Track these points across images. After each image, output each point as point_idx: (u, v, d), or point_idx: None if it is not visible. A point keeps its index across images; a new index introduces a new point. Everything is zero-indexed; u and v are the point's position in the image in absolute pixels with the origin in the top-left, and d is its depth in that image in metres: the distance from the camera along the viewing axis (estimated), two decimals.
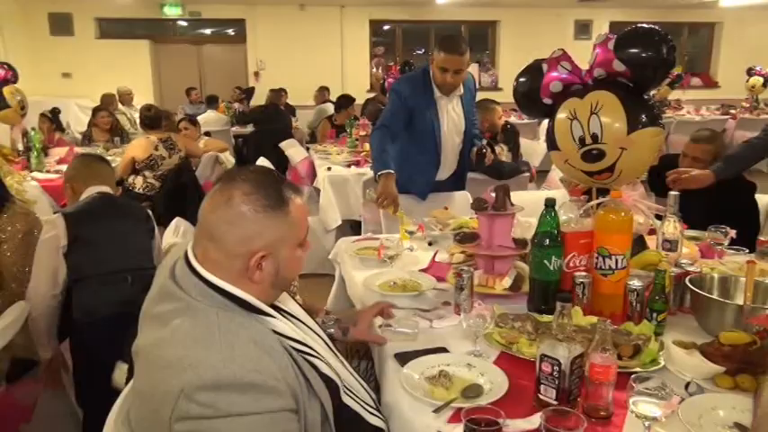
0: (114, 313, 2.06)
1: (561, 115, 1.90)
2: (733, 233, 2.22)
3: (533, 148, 5.92)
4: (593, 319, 1.63)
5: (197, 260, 1.13)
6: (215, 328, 1.04)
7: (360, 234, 3.74)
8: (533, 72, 2.01)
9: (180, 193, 4.46)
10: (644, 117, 1.80)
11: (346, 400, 1.22)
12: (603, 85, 1.84)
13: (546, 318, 1.67)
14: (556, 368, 1.25)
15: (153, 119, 4.52)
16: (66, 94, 9.26)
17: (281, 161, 5.54)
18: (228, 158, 5.28)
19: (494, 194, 1.89)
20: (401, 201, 2.94)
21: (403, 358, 1.49)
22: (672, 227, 1.91)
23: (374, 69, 10.90)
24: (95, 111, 6.36)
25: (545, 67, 1.96)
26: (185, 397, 0.97)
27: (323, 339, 1.32)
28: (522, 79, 2.09)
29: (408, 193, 3.02)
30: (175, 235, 2.51)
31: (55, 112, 6.15)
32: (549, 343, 1.27)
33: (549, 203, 1.72)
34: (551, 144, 1.95)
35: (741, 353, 1.39)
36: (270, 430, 0.99)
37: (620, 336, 1.54)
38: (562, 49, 1.98)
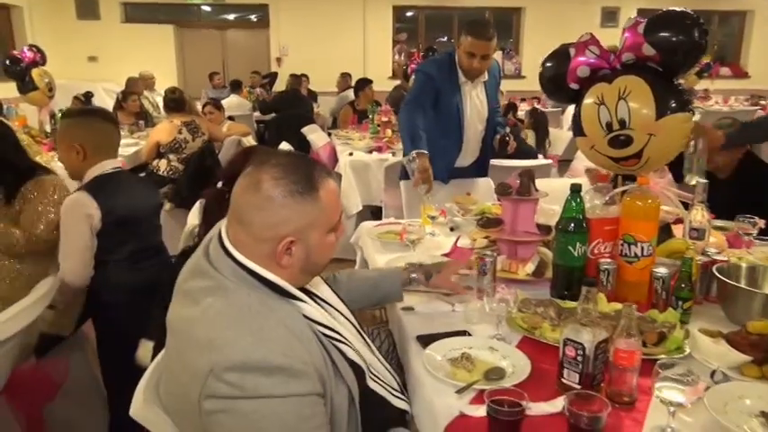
0: (140, 290, 2.08)
1: (588, 100, 1.88)
2: (762, 223, 2.18)
3: (558, 136, 5.87)
4: (618, 305, 1.62)
5: (230, 241, 1.14)
6: (246, 310, 1.06)
7: (380, 220, 3.76)
8: (560, 57, 1.98)
9: (203, 176, 4.49)
10: (673, 103, 1.77)
11: (371, 384, 1.23)
12: (632, 70, 1.81)
13: (569, 304, 1.67)
14: (580, 352, 1.24)
15: (177, 101, 4.55)
16: (91, 77, 9.37)
17: (303, 146, 5.55)
18: (251, 143, 5.31)
19: (518, 180, 1.87)
20: (411, 185, 2.94)
21: (425, 340, 1.50)
22: (699, 215, 1.88)
23: (396, 56, 10.84)
24: (126, 94, 6.42)
25: (572, 51, 1.93)
26: (214, 376, 0.98)
27: (352, 323, 1.33)
28: (548, 64, 2.07)
29: None
30: (200, 216, 2.53)
31: (88, 95, 6.23)
32: (573, 327, 1.27)
33: (575, 189, 1.70)
34: (577, 130, 1.93)
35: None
36: (296, 413, 1.00)
37: (644, 323, 1.53)
38: (590, 34, 1.95)
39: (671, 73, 1.80)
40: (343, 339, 1.18)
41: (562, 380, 1.28)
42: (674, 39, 1.75)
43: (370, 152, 4.72)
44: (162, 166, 4.52)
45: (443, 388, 1.29)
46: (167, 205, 4.49)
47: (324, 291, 1.32)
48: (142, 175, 4.55)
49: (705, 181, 1.91)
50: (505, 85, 10.20)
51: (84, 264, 2.09)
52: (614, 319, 1.47)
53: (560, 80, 1.95)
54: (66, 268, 2.06)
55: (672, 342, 1.45)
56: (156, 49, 10.21)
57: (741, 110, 8.79)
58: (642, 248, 1.69)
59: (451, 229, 2.53)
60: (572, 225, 1.69)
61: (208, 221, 1.95)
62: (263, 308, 1.07)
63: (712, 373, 1.34)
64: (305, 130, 5.66)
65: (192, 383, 1.01)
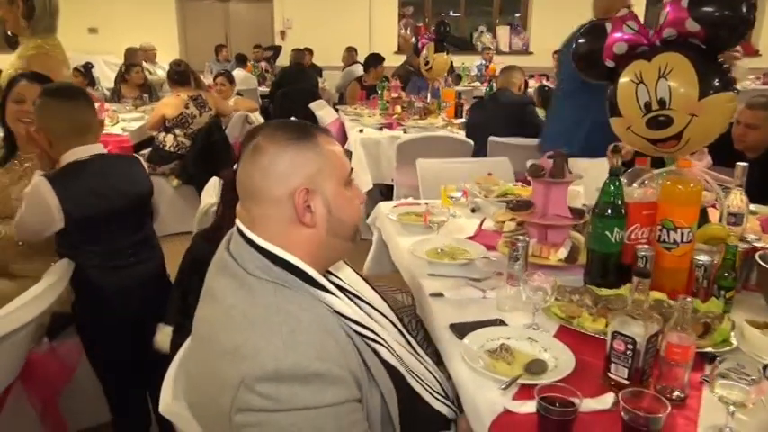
0: (121, 291, 1.93)
1: (625, 79, 1.78)
2: None
3: None
4: (658, 294, 1.56)
5: (246, 225, 1.08)
6: (273, 310, 0.98)
7: (390, 199, 3.69)
8: (595, 32, 1.88)
9: (211, 153, 4.42)
10: (717, 82, 1.68)
11: (414, 386, 1.15)
12: (673, 47, 1.71)
13: (605, 291, 1.60)
14: (630, 346, 1.18)
15: (182, 74, 4.45)
16: (92, 49, 9.19)
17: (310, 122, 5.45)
18: (258, 118, 5.21)
19: (551, 161, 1.80)
20: (428, 164, 2.86)
21: (459, 330, 1.44)
22: (738, 200, 1.81)
23: (402, 30, 10.64)
24: (129, 66, 6.29)
25: (608, 26, 1.84)
26: (245, 387, 0.91)
27: (387, 317, 1.25)
28: (582, 40, 1.97)
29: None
30: (214, 195, 2.46)
31: (88, 66, 6.10)
32: (621, 319, 1.20)
33: (614, 172, 1.63)
34: (612, 110, 1.84)
35: None
36: (336, 424, 0.93)
37: (688, 312, 1.46)
38: (628, 8, 1.85)
39: (714, 50, 1.71)
40: (378, 338, 1.11)
41: (609, 374, 1.22)
42: (720, 13, 1.65)
43: (381, 129, 4.62)
44: (168, 141, 4.43)
45: (484, 382, 1.23)
46: (174, 182, 4.42)
47: (349, 274, 1.25)
48: (145, 152, 4.46)
49: (745, 164, 1.83)
50: (513, 62, 10.06)
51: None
52: (655, 309, 1.41)
53: (595, 57, 1.85)
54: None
55: (719, 334, 1.38)
56: (157, 21, 10.00)
57: (753, 88, 8.64)
58: (682, 234, 1.62)
59: (473, 211, 2.46)
60: (610, 209, 1.61)
61: (227, 203, 1.89)
62: (291, 306, 0.99)
63: (764, 368, 1.27)
64: (312, 105, 5.56)
65: (221, 395, 0.94)
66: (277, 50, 9.71)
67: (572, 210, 1.83)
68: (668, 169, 1.79)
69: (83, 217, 1.82)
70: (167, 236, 3.65)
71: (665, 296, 1.56)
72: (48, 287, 1.58)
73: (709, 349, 1.34)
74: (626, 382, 1.19)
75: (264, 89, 8.02)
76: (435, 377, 1.28)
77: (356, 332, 1.06)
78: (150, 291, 1.96)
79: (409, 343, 1.28)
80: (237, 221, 1.11)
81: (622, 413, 1.04)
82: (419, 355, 1.29)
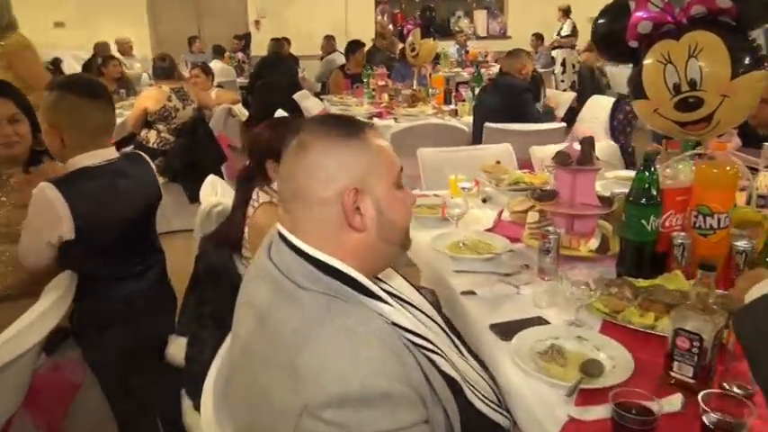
0: (127, 309, 1.79)
1: (651, 60, 1.72)
2: None
3: (558, 98, 5.71)
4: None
5: (290, 231, 0.98)
6: (330, 327, 0.88)
7: None
8: (617, 10, 1.81)
9: (196, 148, 4.26)
10: (748, 60, 1.62)
11: (470, 396, 1.06)
12: (702, 25, 1.65)
13: (643, 282, 1.54)
14: (696, 344, 1.11)
15: (167, 69, 4.27)
16: (59, 44, 8.86)
17: (295, 114, 5.32)
18: (242, 111, 5.05)
19: (578, 147, 1.72)
20: (429, 153, 2.77)
21: (502, 331, 1.36)
22: (767, 181, 1.76)
23: (379, 17, 10.50)
24: (106, 59, 6.05)
25: (632, 5, 1.77)
26: (309, 415, 0.81)
27: (436, 322, 1.16)
28: (602, 20, 1.90)
29: None
30: (214, 193, 2.34)
31: (56, 62, 5.85)
32: (685, 315, 1.13)
33: (648, 158, 1.56)
34: (636, 92, 1.78)
35: None
36: None
37: (730, 301, 1.41)
38: None
39: (745, 27, 1.65)
40: (435, 348, 1.01)
41: (671, 373, 1.15)
42: None
43: (371, 118, 4.51)
44: (152, 137, 4.26)
45: (539, 387, 1.16)
46: (160, 180, 4.25)
47: (400, 283, 1.16)
48: (130, 148, 4.29)
49: None
50: (491, 46, 10.00)
51: (39, 258, 1.71)
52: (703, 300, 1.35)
53: (617, 37, 1.78)
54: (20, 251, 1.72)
55: None
56: (127, 14, 9.69)
57: None
58: (719, 220, 1.56)
59: (483, 201, 2.38)
60: (646, 197, 1.54)
61: (240, 203, 1.79)
62: (348, 321, 0.89)
63: None
64: (297, 96, 5.41)
65: (280, 424, 0.84)
66: (248, 39, 9.47)
67: (600, 198, 1.76)
68: (696, 152, 1.73)
69: (93, 227, 1.67)
70: None
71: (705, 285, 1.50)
72: (52, 304, 1.45)
73: None
74: (691, 382, 1.12)
75: (243, 80, 7.82)
76: (487, 384, 1.20)
77: (414, 343, 0.97)
78: (155, 298, 1.84)
79: (458, 348, 1.20)
80: (279, 226, 1.00)
81: (703, 417, 0.97)
82: (470, 360, 1.20)
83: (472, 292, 1.57)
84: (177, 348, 1.67)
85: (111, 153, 1.78)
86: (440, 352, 1.02)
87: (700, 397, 0.99)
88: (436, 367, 0.99)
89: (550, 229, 1.63)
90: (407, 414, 0.85)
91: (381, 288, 1.01)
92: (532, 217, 1.87)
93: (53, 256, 1.71)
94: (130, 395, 1.80)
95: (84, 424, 1.79)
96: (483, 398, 1.12)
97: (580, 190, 1.74)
